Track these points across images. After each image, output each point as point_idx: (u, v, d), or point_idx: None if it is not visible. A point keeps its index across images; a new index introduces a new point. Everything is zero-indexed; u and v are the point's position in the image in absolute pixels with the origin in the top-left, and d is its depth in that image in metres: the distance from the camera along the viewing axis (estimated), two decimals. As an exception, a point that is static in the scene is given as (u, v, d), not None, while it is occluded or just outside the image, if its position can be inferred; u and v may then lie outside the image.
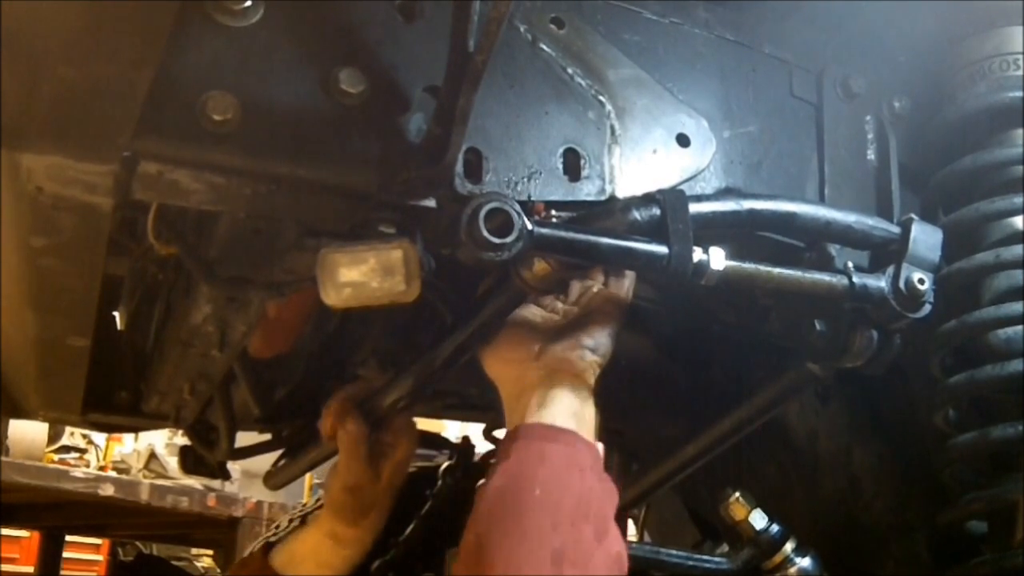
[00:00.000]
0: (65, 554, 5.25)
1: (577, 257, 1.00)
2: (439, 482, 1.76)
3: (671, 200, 1.03)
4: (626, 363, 1.59)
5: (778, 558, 1.34)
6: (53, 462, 4.86)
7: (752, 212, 1.09)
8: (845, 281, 1.08)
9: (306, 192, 0.99)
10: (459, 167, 1.00)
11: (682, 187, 1.12)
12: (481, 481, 1.02)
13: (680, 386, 1.64)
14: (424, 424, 1.47)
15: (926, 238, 1.13)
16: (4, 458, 3.96)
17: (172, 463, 4.80)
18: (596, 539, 0.94)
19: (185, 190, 0.97)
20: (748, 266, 1.04)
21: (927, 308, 1.11)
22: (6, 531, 5.74)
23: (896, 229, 1.14)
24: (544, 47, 1.10)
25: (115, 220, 1.23)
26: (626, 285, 1.16)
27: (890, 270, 1.11)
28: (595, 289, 1.15)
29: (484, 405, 1.79)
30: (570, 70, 1.10)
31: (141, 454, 5.15)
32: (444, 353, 1.15)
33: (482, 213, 0.93)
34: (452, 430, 3.18)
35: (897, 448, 1.47)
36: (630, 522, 2.16)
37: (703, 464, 1.33)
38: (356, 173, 0.99)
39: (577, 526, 0.94)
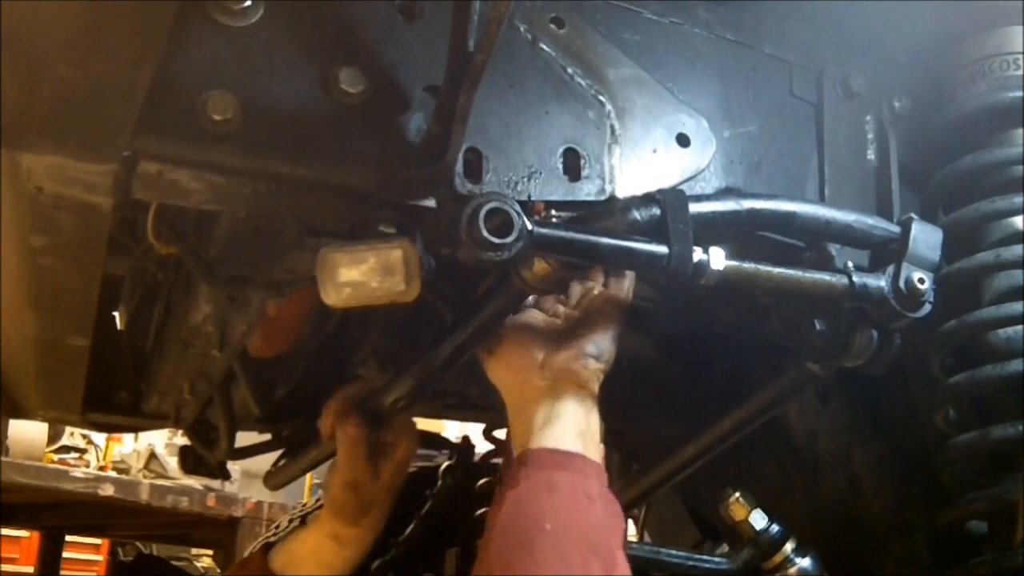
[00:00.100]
0: (65, 554, 5.25)
1: (577, 257, 1.00)
2: (439, 482, 1.76)
3: (671, 200, 1.03)
4: (626, 363, 1.60)
5: (778, 558, 1.34)
6: (53, 462, 4.85)
7: (752, 212, 1.09)
8: (845, 281, 1.08)
9: (306, 192, 0.99)
10: (459, 167, 1.00)
11: (682, 187, 1.12)
12: (484, 509, 1.02)
13: (680, 386, 1.64)
14: (424, 424, 1.47)
15: (926, 238, 1.13)
16: (4, 458, 3.96)
17: (172, 463, 4.80)
18: (604, 572, 0.95)
19: (185, 190, 0.97)
20: (748, 266, 1.04)
21: (927, 308, 1.10)
22: (6, 531, 5.74)
23: (896, 229, 1.14)
24: (544, 47, 1.10)
25: (115, 220, 1.23)
26: (626, 286, 1.16)
27: (890, 270, 1.11)
28: (595, 291, 1.15)
29: (484, 405, 1.79)
30: (570, 70, 1.10)
31: (141, 454, 5.15)
32: (444, 353, 1.15)
33: (482, 213, 0.92)
34: (452, 430, 3.18)
35: (897, 448, 1.47)
36: (630, 522, 2.16)
37: (703, 464, 1.33)
38: (356, 173, 0.99)
39: (586, 560, 0.95)
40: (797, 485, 1.57)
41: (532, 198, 1.04)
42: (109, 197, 0.97)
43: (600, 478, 1.04)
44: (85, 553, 6.61)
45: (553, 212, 1.04)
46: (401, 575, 1.67)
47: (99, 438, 5.52)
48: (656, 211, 1.02)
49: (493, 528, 0.99)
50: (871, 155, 1.29)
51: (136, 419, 2.01)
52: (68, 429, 5.06)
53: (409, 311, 1.13)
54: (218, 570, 5.81)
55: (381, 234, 1.01)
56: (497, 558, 0.96)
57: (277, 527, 2.35)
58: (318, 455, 1.49)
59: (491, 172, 1.03)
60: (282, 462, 1.73)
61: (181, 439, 3.49)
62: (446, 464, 1.79)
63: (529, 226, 0.94)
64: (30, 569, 5.79)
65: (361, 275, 0.99)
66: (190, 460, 2.10)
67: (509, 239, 0.93)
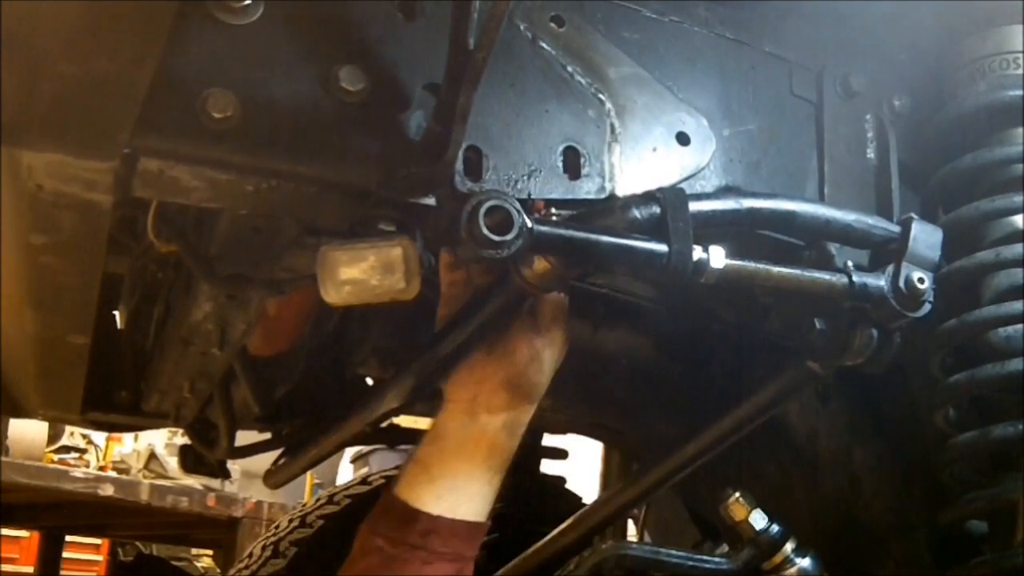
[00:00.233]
0: (65, 554, 5.26)
1: (577, 255, 1.00)
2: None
3: (671, 198, 1.03)
4: (626, 363, 1.60)
5: (778, 558, 1.34)
6: (53, 462, 4.86)
7: (752, 210, 1.09)
8: (845, 280, 1.08)
9: (306, 190, 0.99)
10: (459, 165, 1.00)
11: (682, 185, 1.12)
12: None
13: (680, 386, 1.64)
14: (424, 424, 1.47)
15: (926, 237, 1.13)
16: (4, 458, 3.96)
17: (172, 463, 4.81)
18: None
19: (185, 187, 0.97)
20: (748, 265, 1.04)
21: (927, 307, 1.10)
22: (6, 531, 5.74)
23: (896, 228, 1.14)
24: (544, 45, 1.10)
25: (115, 218, 1.23)
26: None
27: (890, 269, 1.10)
28: None
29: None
30: (570, 68, 1.10)
31: (141, 454, 5.15)
32: (444, 352, 1.15)
33: (482, 211, 0.92)
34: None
35: (897, 448, 1.47)
36: (630, 522, 2.16)
37: (703, 464, 1.33)
38: (356, 171, 0.99)
39: None
40: (797, 485, 1.57)
41: (532, 196, 1.04)
42: (109, 195, 0.97)
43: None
44: (85, 553, 6.62)
45: (553, 210, 1.04)
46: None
47: (99, 438, 5.52)
48: (656, 209, 1.02)
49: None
50: (871, 154, 1.29)
51: (136, 418, 2.01)
52: (68, 429, 5.07)
53: (409, 309, 1.13)
54: (218, 570, 5.81)
55: (381, 232, 1.01)
56: None
57: (277, 527, 2.36)
58: (318, 454, 1.49)
59: (491, 170, 1.03)
60: (282, 461, 1.73)
61: (181, 439, 3.49)
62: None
63: (529, 224, 0.94)
64: (30, 569, 5.80)
65: (361, 273, 0.99)
66: (190, 459, 2.10)
67: (509, 237, 0.93)
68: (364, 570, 1.07)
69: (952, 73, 1.31)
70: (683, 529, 1.96)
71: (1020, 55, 1.26)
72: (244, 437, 1.86)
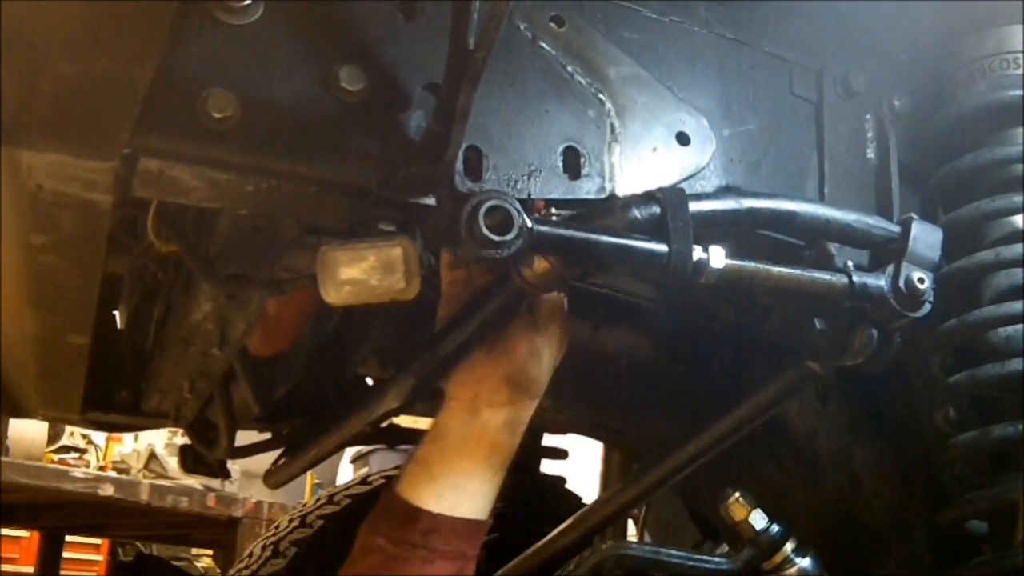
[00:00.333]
0: (65, 554, 5.26)
1: (577, 255, 1.00)
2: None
3: (671, 198, 1.03)
4: (626, 363, 1.60)
5: (778, 558, 1.34)
6: (53, 462, 4.86)
7: (752, 210, 1.09)
8: (845, 280, 1.08)
9: (306, 189, 0.99)
10: (459, 165, 1.00)
11: (682, 185, 1.12)
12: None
13: (680, 386, 1.64)
14: (424, 424, 1.47)
15: (926, 237, 1.13)
16: (4, 458, 3.96)
17: (172, 463, 4.81)
18: None
19: (185, 187, 0.97)
20: (748, 265, 1.04)
21: (927, 307, 1.10)
22: (6, 531, 5.74)
23: (896, 228, 1.14)
24: (544, 45, 1.10)
25: (115, 218, 1.23)
26: None
27: (890, 269, 1.10)
28: None
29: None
30: (570, 68, 1.10)
31: (141, 454, 5.15)
32: (444, 352, 1.15)
33: (482, 210, 0.92)
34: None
35: (897, 448, 1.47)
36: (630, 522, 2.16)
37: (703, 464, 1.33)
38: (356, 170, 0.99)
39: None
40: (797, 485, 1.57)
41: (532, 196, 1.04)
42: (109, 195, 0.97)
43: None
44: (85, 553, 6.62)
45: (553, 210, 1.04)
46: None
47: (99, 438, 5.52)
48: (656, 209, 1.02)
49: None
50: (871, 154, 1.29)
51: (136, 418, 2.01)
52: (68, 429, 5.07)
53: (409, 309, 1.13)
54: (218, 570, 5.81)
55: (381, 232, 1.01)
56: None
57: (277, 527, 2.35)
58: (318, 454, 1.49)
59: (491, 170, 1.03)
60: (282, 461, 1.73)
61: (181, 439, 3.50)
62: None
63: (529, 224, 0.94)
64: (30, 569, 5.80)
65: (361, 273, 0.99)
66: (190, 459, 2.10)
67: (509, 237, 0.93)
68: (365, 569, 1.07)
69: (952, 73, 1.31)
70: (683, 529, 1.97)
71: (1020, 55, 1.26)
72: (244, 437, 1.86)
